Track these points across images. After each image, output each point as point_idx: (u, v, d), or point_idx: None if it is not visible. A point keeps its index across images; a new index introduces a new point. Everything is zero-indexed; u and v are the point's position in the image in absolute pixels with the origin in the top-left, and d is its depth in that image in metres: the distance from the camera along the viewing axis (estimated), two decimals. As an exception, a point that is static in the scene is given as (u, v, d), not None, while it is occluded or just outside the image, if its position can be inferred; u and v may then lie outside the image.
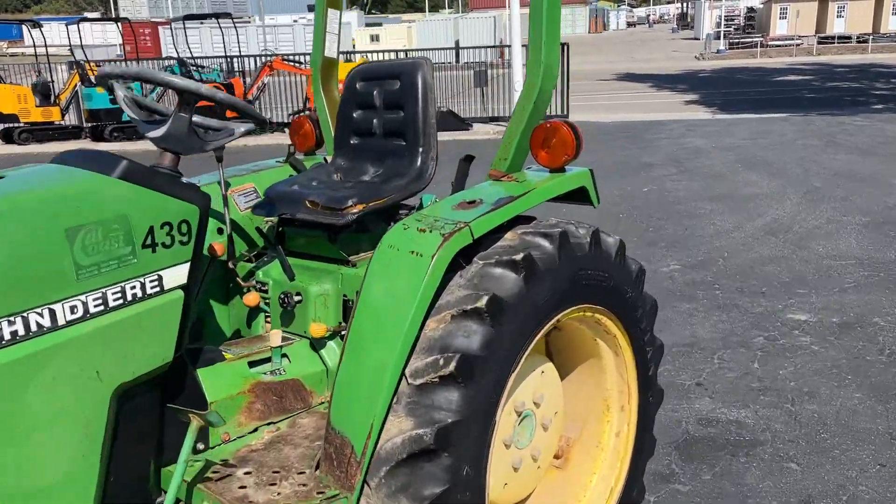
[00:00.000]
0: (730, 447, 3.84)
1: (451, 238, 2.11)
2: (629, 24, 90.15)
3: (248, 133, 2.36)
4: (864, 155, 12.12)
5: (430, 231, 2.14)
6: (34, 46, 19.16)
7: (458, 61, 27.12)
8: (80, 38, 17.44)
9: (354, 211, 2.49)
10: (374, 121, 2.87)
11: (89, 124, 18.25)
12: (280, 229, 2.82)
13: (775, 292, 6.02)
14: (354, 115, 2.92)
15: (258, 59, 19.64)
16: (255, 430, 2.35)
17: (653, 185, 10.45)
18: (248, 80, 19.09)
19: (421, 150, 2.74)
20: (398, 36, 52.88)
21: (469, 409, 2.06)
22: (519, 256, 2.21)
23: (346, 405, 2.09)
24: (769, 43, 46.96)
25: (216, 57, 20.10)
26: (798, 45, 44.61)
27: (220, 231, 2.81)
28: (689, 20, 75.60)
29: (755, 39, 47.75)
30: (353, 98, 2.92)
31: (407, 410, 2.06)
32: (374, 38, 53.20)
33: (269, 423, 2.37)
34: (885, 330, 5.20)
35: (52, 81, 19.03)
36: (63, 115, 18.92)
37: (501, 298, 2.14)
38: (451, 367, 2.03)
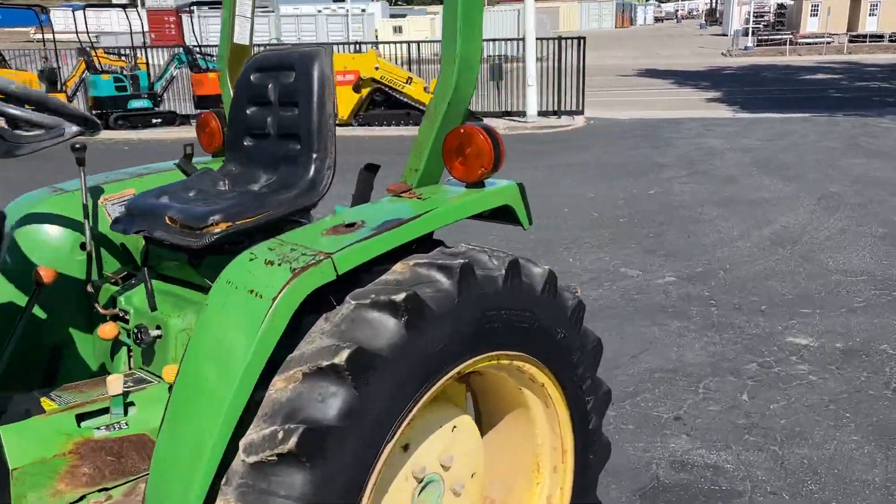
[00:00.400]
0: (702, 498, 3.37)
1: (303, 274, 1.68)
2: (657, 20, 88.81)
3: (80, 135, 1.92)
4: (887, 159, 11.49)
5: (279, 264, 1.71)
6: (45, 32, 18.92)
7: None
8: (86, 24, 17.15)
9: (216, 231, 2.06)
10: (269, 119, 2.43)
11: (95, 112, 17.99)
12: (147, 248, 2.39)
13: (776, 311, 5.51)
14: (248, 111, 2.49)
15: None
16: (81, 498, 1.93)
17: (660, 188, 9.93)
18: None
19: (315, 156, 2.29)
20: (421, 27, 52.41)
21: (317, 495, 1.63)
22: (401, 297, 1.77)
23: (161, 485, 1.66)
24: (799, 40, 45.82)
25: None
26: (828, 43, 43.48)
27: (82, 247, 2.40)
28: (717, 16, 74.36)
29: (785, 37, 46.57)
30: (247, 92, 2.48)
31: (237, 495, 1.62)
32: (397, 30, 52.78)
33: (100, 490, 1.95)
34: (894, 359, 4.68)
35: (59, 68, 18.82)
36: (69, 102, 18.70)
37: (370, 351, 1.70)
38: (291, 443, 1.59)
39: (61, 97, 18.34)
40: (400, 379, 1.78)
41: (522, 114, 17.84)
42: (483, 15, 2.21)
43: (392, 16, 63.50)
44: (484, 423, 2.52)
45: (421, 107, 16.62)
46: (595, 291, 6.03)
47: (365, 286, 1.86)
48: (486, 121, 17.67)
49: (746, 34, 47.59)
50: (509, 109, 18.80)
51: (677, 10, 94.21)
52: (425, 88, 16.68)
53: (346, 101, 16.75)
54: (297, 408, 1.65)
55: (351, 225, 1.89)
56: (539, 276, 2.18)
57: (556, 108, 18.30)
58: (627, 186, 10.07)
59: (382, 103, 16.96)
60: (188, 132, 17.31)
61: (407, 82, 16.47)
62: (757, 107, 19.47)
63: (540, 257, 6.87)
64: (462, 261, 1.93)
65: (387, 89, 16.52)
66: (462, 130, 2.15)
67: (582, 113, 18.18)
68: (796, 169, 10.89)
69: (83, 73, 18.29)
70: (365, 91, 16.56)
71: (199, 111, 17.76)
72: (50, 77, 18.45)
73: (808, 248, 7.01)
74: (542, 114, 18.01)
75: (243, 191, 2.35)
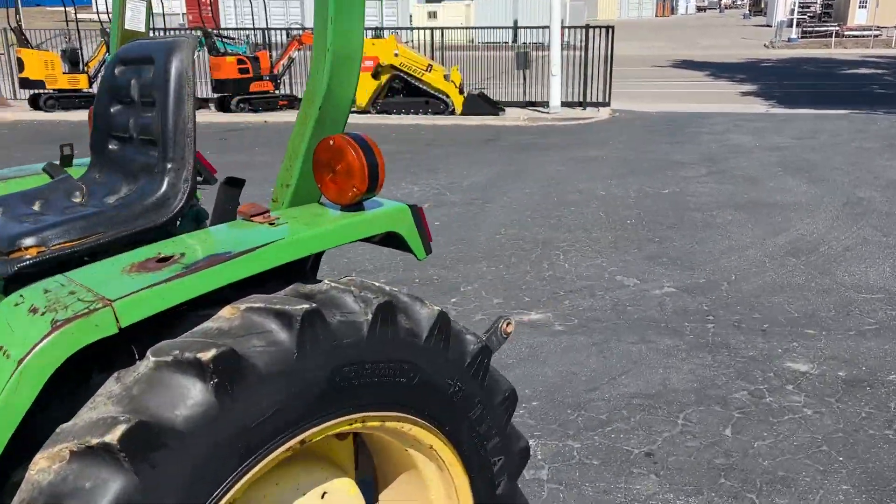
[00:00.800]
0: (660, 554, 2.99)
1: (66, 328, 1.34)
2: (699, 9, 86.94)
3: None
4: (924, 162, 10.85)
5: (44, 313, 1.37)
6: (77, 13, 18.87)
7: (515, 41, 26.18)
8: (107, 5, 17.01)
9: (25, 257, 1.72)
10: (131, 120, 2.09)
11: (115, 93, 17.87)
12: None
13: (778, 331, 5.06)
14: (112, 110, 2.15)
15: (288, 32, 18.97)
16: None
17: (676, 187, 9.44)
18: (277, 53, 18.48)
19: (169, 166, 1.94)
20: (456, 13, 51.82)
21: None
22: (210, 354, 1.42)
23: None
24: (845, 33, 44.35)
25: (245, 29, 19.54)
26: (876, 35, 41.98)
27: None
28: (762, 6, 72.51)
29: (830, 29, 45.12)
30: (110, 88, 2.15)
31: None
32: (432, 15, 52.26)
33: None
34: (902, 393, 4.23)
35: (81, 49, 18.75)
36: (91, 84, 18.65)
37: (158, 425, 1.36)
38: (36, 545, 1.25)
39: (82, 78, 18.34)
40: (207, 456, 1.43)
41: (547, 104, 17.34)
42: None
43: (428, 0, 62.91)
44: (380, 484, 2.17)
45: (440, 95, 16.24)
46: (585, 301, 5.63)
47: (175, 337, 1.52)
48: (509, 111, 17.25)
49: (791, 25, 46.21)
50: (534, 99, 18.29)
51: (720, 0, 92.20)
52: (445, 76, 16.28)
53: (364, 87, 16.41)
54: (57, 496, 1.31)
55: (165, 259, 1.55)
56: (425, 319, 1.82)
57: (581, 99, 17.77)
58: (642, 184, 9.60)
59: (401, 90, 16.59)
60: (206, 116, 17.13)
61: (427, 70, 16.07)
62: (792, 102, 18.71)
63: (534, 260, 6.49)
64: (307, 306, 1.57)
65: (405, 76, 16.14)
66: (331, 143, 1.79)
67: (608, 104, 17.63)
68: (824, 170, 10.31)
69: (105, 54, 18.20)
70: (384, 78, 16.21)
71: (217, 95, 17.60)
72: (72, 58, 18.42)
73: (824, 260, 6.51)
74: (566, 104, 17.50)
75: (95, 205, 2.02)
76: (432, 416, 1.86)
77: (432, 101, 16.30)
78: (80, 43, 19.24)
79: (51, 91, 18.01)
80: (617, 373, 4.51)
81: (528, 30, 22.21)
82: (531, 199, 8.90)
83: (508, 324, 2.37)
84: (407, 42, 20.25)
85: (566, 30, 19.35)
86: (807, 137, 13.21)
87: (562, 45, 17.31)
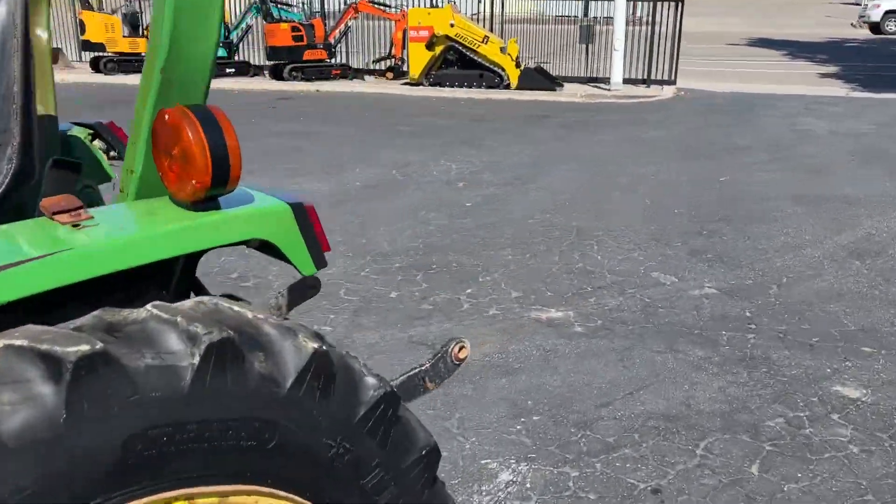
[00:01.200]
0: None
1: None
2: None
3: None
4: None
5: None
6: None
7: (586, 14, 25.32)
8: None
9: None
10: None
11: (170, 58, 17.79)
12: None
13: (829, 347, 4.44)
14: None
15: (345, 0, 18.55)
16: None
17: (734, 174, 8.70)
18: (332, 21, 18.11)
19: None
20: (527, -16, 50.63)
21: None
22: None
23: None
24: (941, 13, 41.59)
25: (302, -5, 19.20)
26: (975, 17, 39.25)
27: None
28: (852, -17, 68.80)
29: (925, 8, 42.38)
30: None
31: None
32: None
33: None
34: (971, 432, 3.59)
35: (142, 12, 18.71)
36: (148, 48, 18.63)
37: None
38: None
39: (142, 42, 18.32)
40: None
41: (608, 80, 16.54)
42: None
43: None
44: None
45: (495, 68, 15.64)
46: (613, 300, 5.08)
47: None
48: (568, 87, 16.51)
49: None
50: (596, 75, 17.50)
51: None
52: (502, 49, 15.65)
53: (418, 58, 15.92)
54: None
55: None
56: (291, 361, 1.35)
57: (645, 77, 16.90)
58: (697, 170, 8.89)
59: (455, 62, 16.04)
60: (259, 84, 16.90)
61: (483, 41, 15.46)
62: (876, 86, 17.42)
63: (564, 250, 5.97)
64: (87, 347, 1.12)
65: (461, 48, 15.57)
66: (166, 117, 1.32)
67: (673, 83, 16.72)
68: (903, 161, 9.42)
69: (163, 18, 18.13)
70: (438, 49, 15.67)
71: (270, 62, 17.34)
72: (132, 21, 18.40)
73: (893, 265, 5.79)
74: (629, 82, 16.66)
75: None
76: (301, 487, 1.40)
77: (487, 75, 15.72)
78: (142, 7, 19.24)
79: (111, 54, 18.04)
80: (635, 387, 3.98)
81: (599, 2, 21.31)
82: (574, 182, 8.32)
83: (461, 347, 1.92)
84: (473, 15, 19.64)
85: (636, 3, 18.49)
86: (889, 125, 12.18)
87: (628, 18, 16.47)
